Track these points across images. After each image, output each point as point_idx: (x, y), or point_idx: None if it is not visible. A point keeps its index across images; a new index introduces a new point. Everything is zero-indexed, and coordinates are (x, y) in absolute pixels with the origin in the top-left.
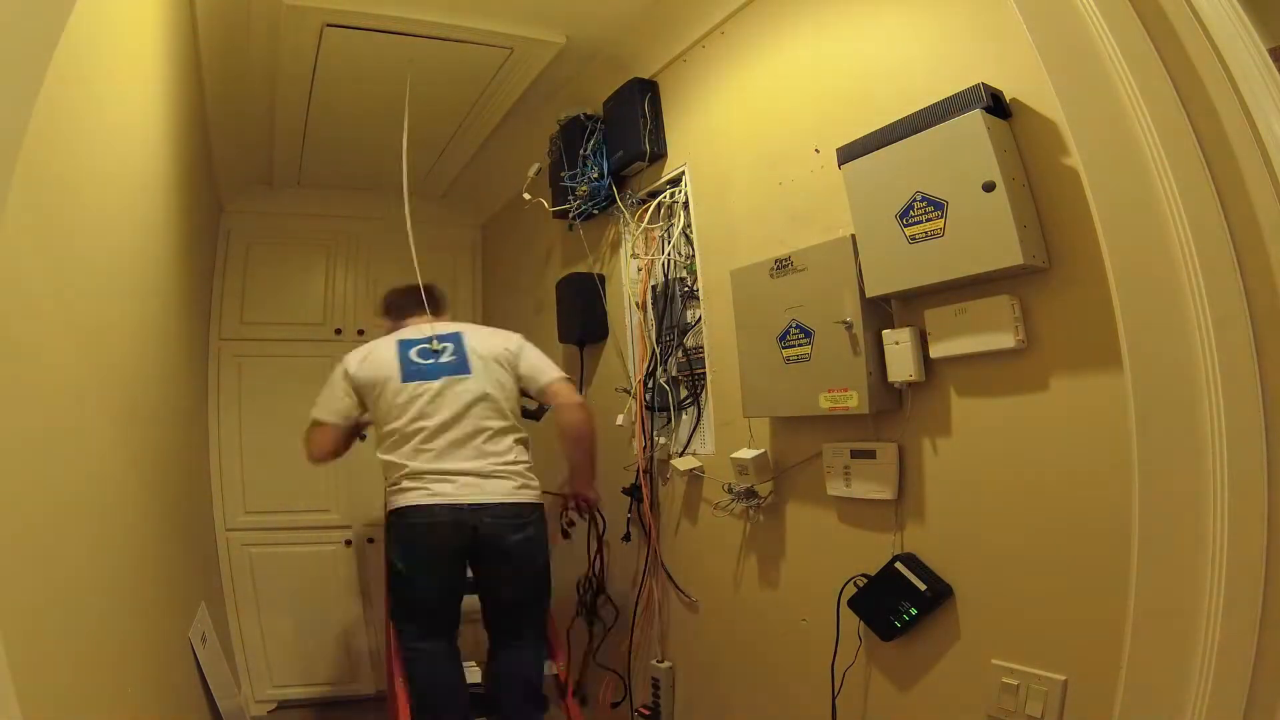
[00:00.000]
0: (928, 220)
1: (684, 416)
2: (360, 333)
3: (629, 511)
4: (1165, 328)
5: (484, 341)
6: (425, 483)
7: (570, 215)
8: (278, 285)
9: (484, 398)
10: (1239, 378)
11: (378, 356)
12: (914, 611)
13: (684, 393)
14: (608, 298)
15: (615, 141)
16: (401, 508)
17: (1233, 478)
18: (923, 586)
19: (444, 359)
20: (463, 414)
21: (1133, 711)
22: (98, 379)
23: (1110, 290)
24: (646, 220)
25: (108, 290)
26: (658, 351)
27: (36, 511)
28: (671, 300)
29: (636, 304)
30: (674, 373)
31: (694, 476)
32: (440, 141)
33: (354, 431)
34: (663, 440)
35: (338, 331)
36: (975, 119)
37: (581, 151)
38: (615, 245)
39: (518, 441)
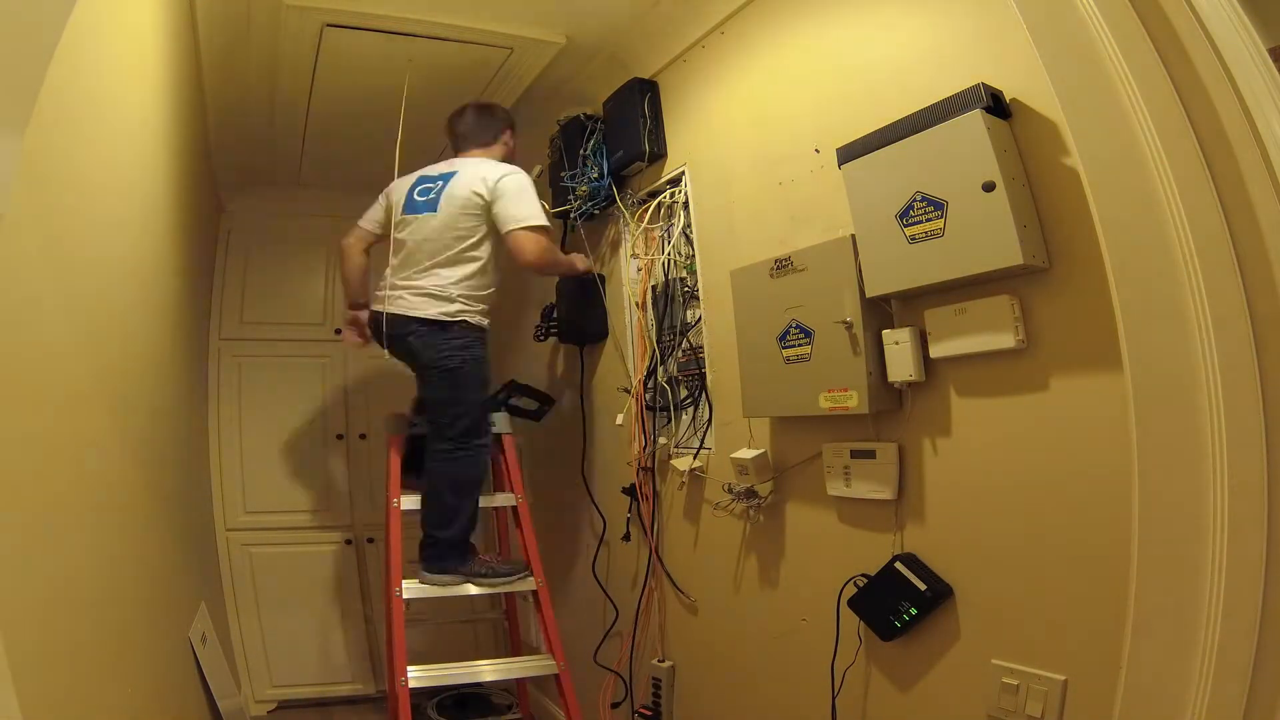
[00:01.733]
0: (928, 220)
1: (684, 416)
2: None
3: (629, 511)
4: (1165, 328)
5: (464, 182)
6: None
7: (570, 215)
8: (278, 285)
9: (433, 238)
10: (1239, 378)
11: (400, 186)
12: (914, 611)
13: (684, 393)
14: (608, 298)
15: (615, 141)
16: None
17: (1232, 478)
18: (923, 586)
19: (430, 197)
20: (415, 250)
21: (1133, 711)
22: (98, 378)
23: (1110, 290)
24: (646, 220)
25: (108, 290)
26: (658, 351)
27: (37, 511)
28: (671, 300)
29: (636, 304)
30: (674, 373)
31: (694, 476)
32: (441, 141)
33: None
34: (662, 440)
35: (338, 331)
36: (975, 119)
37: (581, 151)
38: (615, 245)
39: (458, 272)
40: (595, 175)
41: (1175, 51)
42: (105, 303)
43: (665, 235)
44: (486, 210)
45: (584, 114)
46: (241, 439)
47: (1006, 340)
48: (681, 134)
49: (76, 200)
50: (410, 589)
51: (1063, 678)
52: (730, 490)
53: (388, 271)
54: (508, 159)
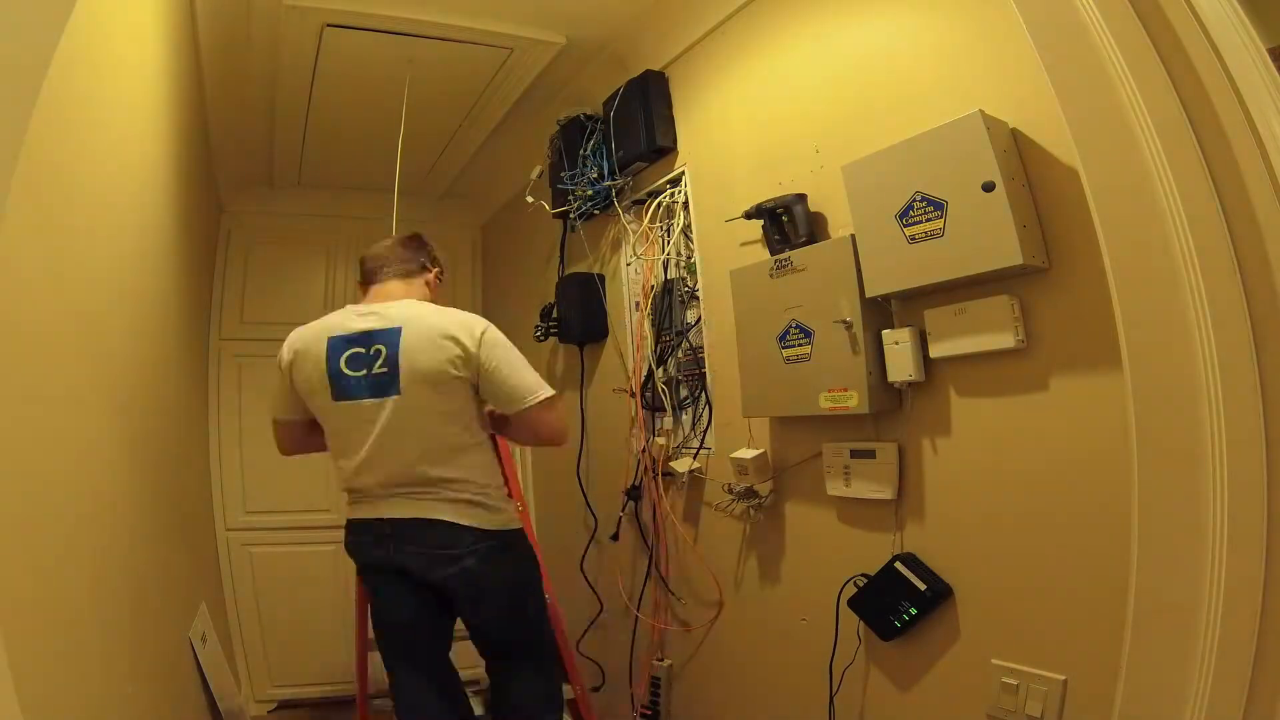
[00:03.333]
0: (927, 220)
1: (684, 417)
2: None
3: (622, 510)
4: (1165, 328)
5: (427, 344)
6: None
7: (570, 215)
8: (278, 285)
9: (414, 429)
10: (1239, 378)
11: (308, 357)
12: (914, 611)
13: (684, 393)
14: (608, 298)
15: (615, 141)
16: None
17: (1232, 478)
18: (923, 586)
19: (375, 369)
20: (390, 447)
21: (1133, 711)
22: (98, 379)
23: (1110, 290)
24: (646, 220)
25: (108, 290)
26: (658, 351)
27: (36, 511)
28: (672, 300)
29: (636, 304)
30: (674, 373)
31: (694, 477)
32: (440, 142)
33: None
34: (661, 441)
35: None
36: (975, 119)
37: (581, 152)
38: (615, 245)
39: (466, 458)
40: (595, 175)
41: (1175, 52)
42: (105, 303)
43: (665, 235)
44: (471, 381)
45: (584, 114)
46: (241, 439)
47: (1006, 340)
48: (682, 134)
49: (76, 201)
50: None
51: (1063, 678)
52: (730, 490)
53: (345, 476)
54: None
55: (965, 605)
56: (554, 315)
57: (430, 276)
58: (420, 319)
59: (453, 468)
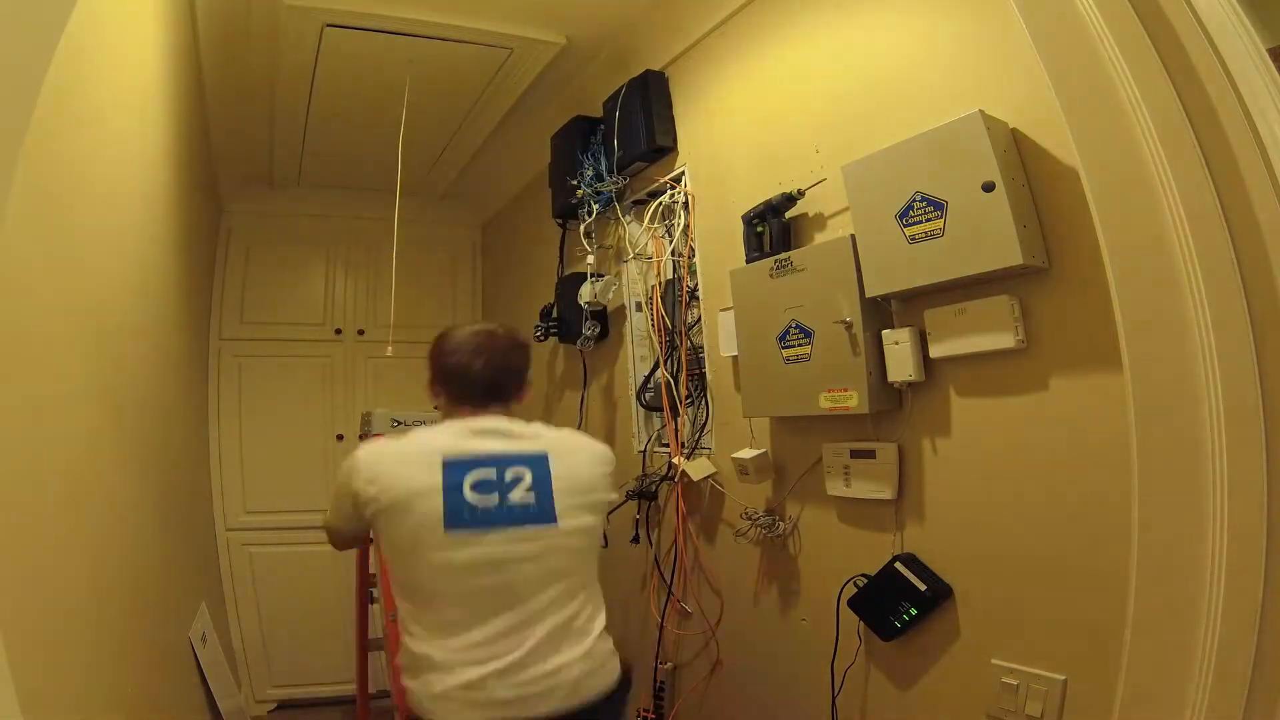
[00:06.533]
0: (927, 220)
1: (684, 417)
2: (360, 332)
3: (637, 513)
4: (1165, 328)
5: (575, 463)
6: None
7: (570, 215)
8: (278, 285)
9: (567, 569)
10: (1239, 378)
11: (401, 468)
12: (914, 611)
13: (684, 393)
14: (609, 298)
15: (615, 142)
16: None
17: (1232, 478)
18: (923, 586)
19: (515, 495)
20: (519, 585)
21: (1133, 711)
22: (98, 379)
23: (1110, 290)
24: (647, 220)
25: (108, 290)
26: (658, 351)
27: (37, 511)
28: (672, 300)
29: (637, 304)
30: (674, 373)
31: (710, 487)
32: (440, 141)
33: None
34: (663, 445)
35: (338, 331)
36: (975, 119)
37: (582, 152)
38: (616, 245)
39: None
40: (595, 175)
41: (1175, 52)
42: (105, 303)
43: (666, 235)
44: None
45: (584, 114)
46: (241, 439)
47: (1006, 340)
48: (682, 134)
49: (76, 201)
50: None
51: (1063, 678)
52: (749, 517)
53: (445, 645)
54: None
55: (965, 605)
56: (554, 315)
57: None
58: (559, 440)
59: None
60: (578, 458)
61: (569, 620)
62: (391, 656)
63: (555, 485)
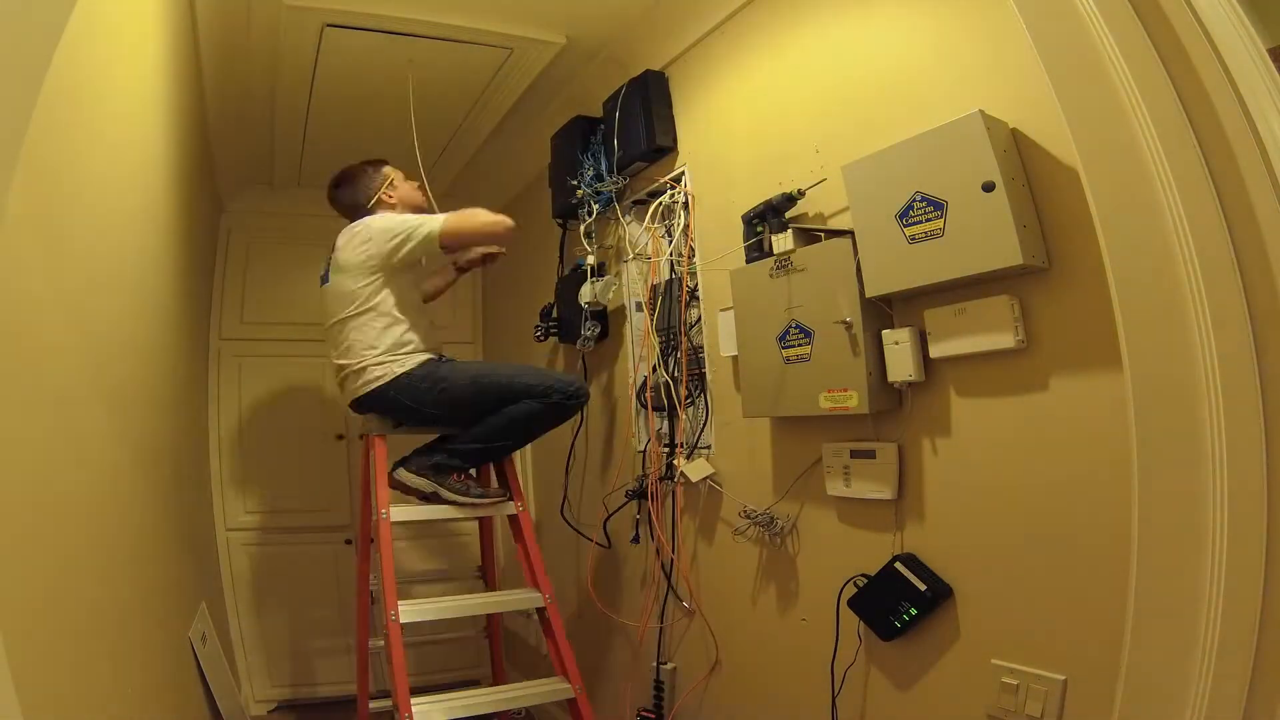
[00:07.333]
0: (927, 220)
1: (684, 417)
2: None
3: (637, 513)
4: (1165, 328)
5: (344, 247)
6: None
7: (570, 215)
8: (278, 285)
9: (336, 311)
10: (1239, 378)
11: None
12: (914, 611)
13: (684, 393)
14: (609, 298)
15: (615, 141)
16: None
17: (1232, 477)
18: (923, 586)
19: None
20: (329, 326)
21: (1133, 711)
22: (98, 379)
23: (1110, 290)
24: (647, 220)
25: (108, 290)
26: (659, 351)
27: (37, 511)
28: (672, 300)
29: (637, 304)
30: (674, 373)
31: (709, 486)
32: (440, 142)
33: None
34: (665, 446)
35: None
36: (975, 119)
37: (582, 152)
38: (616, 245)
39: (372, 327)
40: (595, 175)
41: (1175, 52)
42: (105, 303)
43: (666, 235)
44: (370, 261)
45: (584, 114)
46: (241, 439)
47: (1006, 340)
48: (682, 134)
49: (77, 201)
50: (407, 611)
51: (1063, 678)
52: (747, 514)
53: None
54: (404, 205)
55: (965, 605)
56: (554, 315)
57: (376, 185)
58: (353, 229)
59: None
60: (349, 235)
61: (339, 341)
62: (392, 656)
63: (332, 260)
